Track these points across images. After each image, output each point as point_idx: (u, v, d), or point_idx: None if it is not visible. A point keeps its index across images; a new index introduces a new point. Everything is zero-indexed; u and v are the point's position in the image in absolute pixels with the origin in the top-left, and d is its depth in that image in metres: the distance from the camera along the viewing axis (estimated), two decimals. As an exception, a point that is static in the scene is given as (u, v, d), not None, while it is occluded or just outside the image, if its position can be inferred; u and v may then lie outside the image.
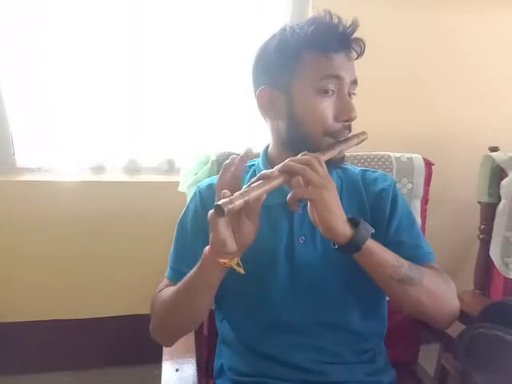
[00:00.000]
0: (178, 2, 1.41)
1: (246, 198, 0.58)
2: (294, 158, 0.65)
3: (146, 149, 1.52)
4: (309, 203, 0.66)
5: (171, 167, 1.57)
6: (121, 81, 1.44)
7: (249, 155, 0.66)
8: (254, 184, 0.61)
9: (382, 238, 0.76)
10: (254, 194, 0.59)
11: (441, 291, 0.74)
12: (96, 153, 1.49)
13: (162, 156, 1.55)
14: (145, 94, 1.47)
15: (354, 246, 0.66)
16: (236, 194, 0.58)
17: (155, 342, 0.80)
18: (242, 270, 0.65)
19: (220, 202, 0.57)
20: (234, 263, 0.65)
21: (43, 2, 1.32)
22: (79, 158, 1.48)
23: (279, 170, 0.64)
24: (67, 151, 1.46)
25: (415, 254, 0.77)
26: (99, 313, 1.56)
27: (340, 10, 0.71)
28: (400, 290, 0.70)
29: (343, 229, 0.65)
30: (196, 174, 1.03)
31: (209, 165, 1.01)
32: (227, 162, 0.65)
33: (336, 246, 0.68)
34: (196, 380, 0.80)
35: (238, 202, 0.57)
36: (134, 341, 1.46)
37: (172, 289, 0.75)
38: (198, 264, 0.68)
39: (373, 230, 0.68)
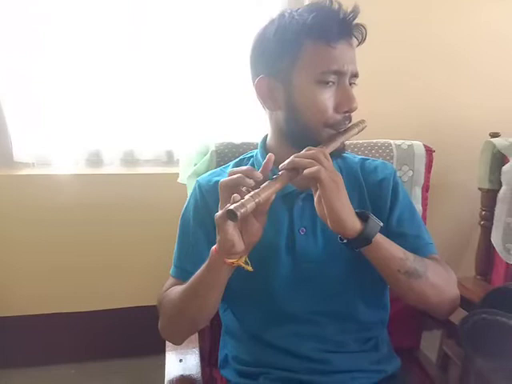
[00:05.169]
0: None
1: (257, 200, 0.58)
2: (299, 153, 0.64)
3: (144, 140, 1.51)
4: (315, 197, 0.65)
5: (170, 159, 1.55)
6: (117, 72, 1.42)
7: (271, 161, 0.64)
8: (264, 184, 0.61)
9: (383, 228, 0.76)
10: (264, 196, 0.59)
11: (443, 283, 0.74)
12: (93, 145, 1.48)
13: (161, 147, 1.54)
14: (142, 84, 1.45)
15: (364, 239, 0.66)
16: (247, 196, 0.58)
17: (158, 333, 0.80)
18: (250, 268, 0.65)
19: (232, 207, 0.56)
20: (242, 262, 0.65)
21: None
22: (77, 151, 1.47)
23: (285, 168, 0.63)
24: (64, 144, 1.45)
25: (417, 246, 0.77)
26: (102, 305, 1.56)
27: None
28: (406, 282, 0.70)
29: (353, 222, 0.65)
30: (195, 164, 1.02)
31: (208, 155, 1.00)
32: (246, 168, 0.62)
33: (344, 241, 0.67)
34: (199, 370, 0.81)
35: (250, 205, 0.57)
36: (137, 332, 1.46)
37: (179, 288, 0.75)
38: (206, 263, 0.67)
39: (381, 224, 0.67)
